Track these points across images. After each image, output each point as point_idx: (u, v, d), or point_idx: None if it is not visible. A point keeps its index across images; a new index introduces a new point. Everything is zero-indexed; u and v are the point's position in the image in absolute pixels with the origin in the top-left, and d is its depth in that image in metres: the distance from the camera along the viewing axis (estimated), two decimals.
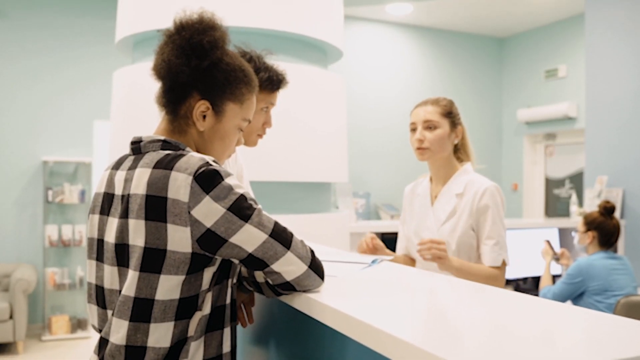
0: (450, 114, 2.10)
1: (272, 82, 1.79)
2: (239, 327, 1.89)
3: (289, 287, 1.27)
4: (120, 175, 1.29)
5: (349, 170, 3.67)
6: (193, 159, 1.21)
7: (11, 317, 5.32)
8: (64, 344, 5.65)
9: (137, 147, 1.31)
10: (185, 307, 1.21)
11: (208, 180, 1.18)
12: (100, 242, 1.31)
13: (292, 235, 1.27)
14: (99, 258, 1.31)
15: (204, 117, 1.32)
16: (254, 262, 1.22)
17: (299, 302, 1.29)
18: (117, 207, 1.27)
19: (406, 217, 2.26)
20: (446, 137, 2.08)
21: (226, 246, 1.19)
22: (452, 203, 2.07)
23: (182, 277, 1.19)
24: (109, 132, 3.51)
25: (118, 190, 1.28)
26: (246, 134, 1.80)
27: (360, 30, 7.27)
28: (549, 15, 7.11)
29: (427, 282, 1.57)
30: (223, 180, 1.20)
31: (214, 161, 1.24)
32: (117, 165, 1.34)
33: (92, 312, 1.35)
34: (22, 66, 6.00)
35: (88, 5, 6.19)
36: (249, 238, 1.19)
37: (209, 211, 1.17)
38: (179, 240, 1.18)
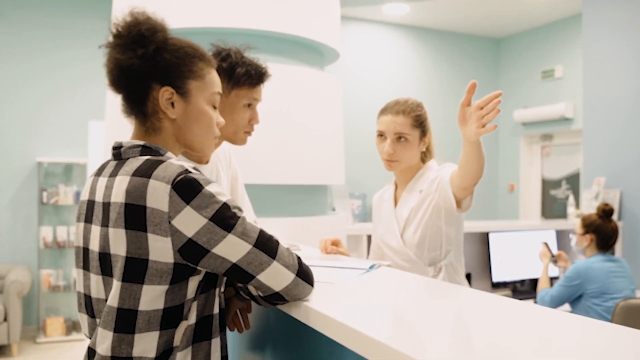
0: (422, 124, 2.05)
1: (251, 76, 1.75)
2: (235, 333, 1.86)
3: (279, 298, 1.24)
4: (102, 182, 1.27)
5: (345, 171, 3.64)
6: (172, 166, 1.19)
7: (5, 319, 5.28)
8: (58, 346, 5.62)
9: (118, 153, 1.29)
10: (170, 316, 1.19)
11: (187, 189, 1.15)
12: (86, 250, 1.29)
13: (277, 243, 1.23)
14: (86, 267, 1.30)
15: (172, 105, 1.29)
16: (239, 273, 1.20)
17: (296, 310, 1.27)
18: (98, 214, 1.25)
19: (375, 225, 2.24)
20: (416, 148, 2.05)
21: (209, 257, 1.16)
22: (414, 200, 2.05)
23: (165, 287, 1.17)
24: (104, 133, 3.48)
25: (99, 198, 1.26)
26: (232, 132, 1.77)
27: (357, 31, 7.25)
28: (545, 16, 7.10)
29: (425, 289, 1.55)
30: (203, 188, 1.17)
31: (194, 168, 1.21)
32: (99, 172, 1.32)
33: (83, 321, 1.34)
34: (17, 67, 5.96)
35: (83, 6, 6.16)
36: (232, 249, 1.17)
37: (190, 221, 1.14)
38: (160, 250, 1.15)
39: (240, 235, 1.17)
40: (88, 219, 1.29)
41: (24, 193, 5.96)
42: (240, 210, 1.21)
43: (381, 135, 2.06)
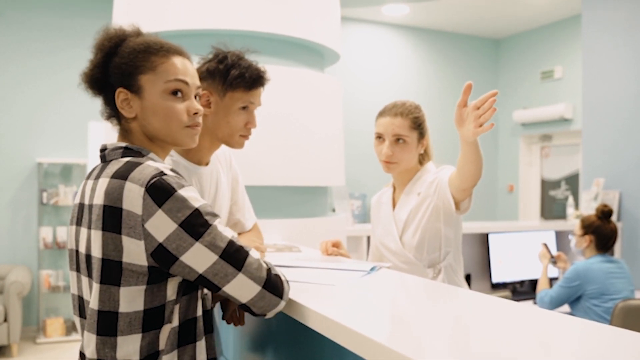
0: (420, 126, 2.06)
1: (245, 79, 1.72)
2: (237, 333, 1.87)
3: (247, 310, 1.25)
4: (89, 184, 1.29)
5: (345, 171, 3.65)
6: (148, 169, 1.19)
7: (5, 319, 5.28)
8: (58, 347, 5.62)
9: (103, 156, 1.31)
10: (152, 318, 1.19)
11: (160, 192, 1.15)
12: (77, 253, 1.31)
13: (246, 255, 1.21)
14: (78, 269, 1.31)
15: (130, 105, 1.30)
16: (207, 283, 1.20)
17: (296, 311, 1.28)
18: (85, 217, 1.26)
19: (374, 227, 2.25)
20: (414, 150, 2.06)
21: (178, 264, 1.17)
22: (412, 202, 2.06)
23: (142, 287, 1.18)
24: (104, 134, 3.48)
25: (86, 200, 1.28)
26: (228, 135, 1.76)
27: (357, 32, 7.25)
28: (545, 17, 7.11)
29: (424, 290, 1.55)
30: (176, 192, 1.16)
31: (172, 170, 1.21)
32: (89, 175, 1.34)
33: (77, 324, 1.35)
34: (17, 67, 5.96)
35: (83, 6, 6.16)
36: (199, 258, 1.16)
37: (161, 225, 1.15)
38: (134, 252, 1.16)
39: (207, 245, 1.17)
40: (78, 222, 1.31)
41: (24, 193, 5.96)
42: (213, 216, 1.20)
43: (379, 137, 2.07)
